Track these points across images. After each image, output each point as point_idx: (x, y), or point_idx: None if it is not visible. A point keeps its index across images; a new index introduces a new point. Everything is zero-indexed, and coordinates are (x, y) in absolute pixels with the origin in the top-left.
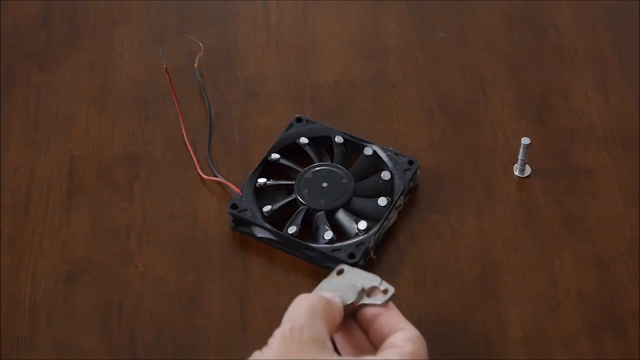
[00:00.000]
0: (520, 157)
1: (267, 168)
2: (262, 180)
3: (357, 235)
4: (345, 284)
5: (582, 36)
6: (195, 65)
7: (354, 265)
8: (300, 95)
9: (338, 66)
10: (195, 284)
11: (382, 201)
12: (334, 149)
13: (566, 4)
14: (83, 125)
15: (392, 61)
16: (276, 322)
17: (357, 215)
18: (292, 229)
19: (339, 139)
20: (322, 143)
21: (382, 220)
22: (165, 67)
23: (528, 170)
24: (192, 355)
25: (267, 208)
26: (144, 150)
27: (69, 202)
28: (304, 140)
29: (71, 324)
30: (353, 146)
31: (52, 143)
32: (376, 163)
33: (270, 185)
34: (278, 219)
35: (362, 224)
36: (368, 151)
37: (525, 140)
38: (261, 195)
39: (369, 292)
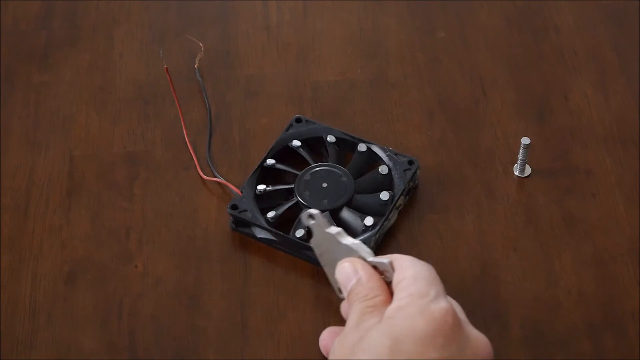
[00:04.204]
0: (520, 157)
1: (266, 171)
2: (261, 187)
3: (364, 231)
4: (350, 246)
5: (582, 36)
6: (195, 66)
7: None
8: (300, 95)
9: (338, 66)
10: (195, 284)
11: (384, 195)
12: (328, 148)
13: (566, 4)
14: (83, 125)
15: (392, 61)
16: (276, 322)
17: (361, 212)
18: (299, 233)
19: (330, 139)
20: (322, 143)
21: (382, 220)
22: (166, 68)
23: (528, 170)
24: (192, 355)
25: (271, 214)
26: (144, 150)
27: (69, 202)
28: (296, 143)
29: (71, 324)
30: (348, 145)
31: (52, 143)
32: (371, 159)
33: (270, 191)
34: (282, 223)
35: (369, 220)
36: (362, 147)
37: (525, 140)
38: (262, 197)
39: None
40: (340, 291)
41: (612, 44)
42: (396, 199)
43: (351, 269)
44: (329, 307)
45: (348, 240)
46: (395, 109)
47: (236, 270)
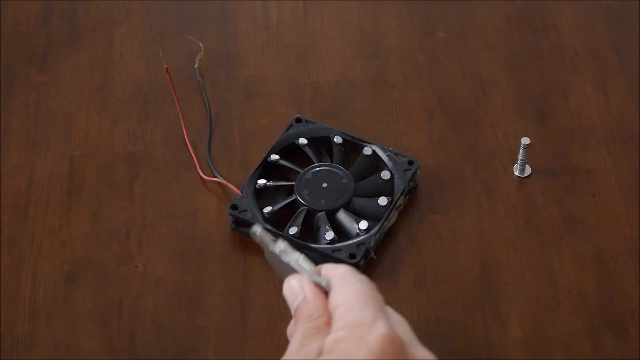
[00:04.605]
0: (520, 157)
1: (267, 169)
2: (262, 181)
3: (358, 235)
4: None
5: (582, 36)
6: (195, 66)
7: (354, 265)
8: (300, 95)
9: (338, 66)
10: (195, 284)
11: (383, 201)
12: (333, 149)
13: (566, 4)
14: (83, 125)
15: (392, 61)
16: (276, 322)
17: (358, 215)
18: (293, 230)
19: (337, 139)
20: (321, 143)
21: (382, 220)
22: (166, 68)
23: (528, 170)
24: (192, 355)
25: (267, 209)
26: (144, 150)
27: (69, 202)
28: (303, 140)
29: (71, 324)
30: (352, 146)
31: (52, 143)
32: (375, 163)
33: (270, 186)
34: (278, 220)
35: (363, 224)
36: (367, 151)
37: (525, 140)
38: (261, 196)
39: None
40: None
41: (612, 44)
42: (396, 199)
43: (298, 287)
44: None
45: (290, 257)
46: (395, 109)
47: (236, 270)
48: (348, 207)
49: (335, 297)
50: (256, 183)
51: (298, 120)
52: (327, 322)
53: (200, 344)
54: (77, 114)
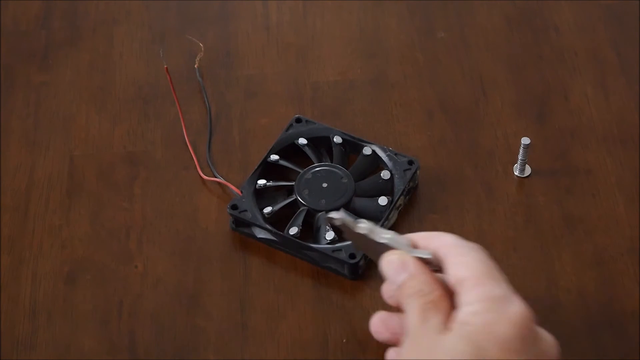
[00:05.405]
0: (520, 157)
1: (267, 169)
2: (262, 181)
3: None
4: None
5: (582, 36)
6: (195, 66)
7: (354, 265)
8: (300, 95)
9: (338, 66)
10: (195, 284)
11: (383, 200)
12: (333, 149)
13: (566, 4)
14: (83, 125)
15: (392, 61)
16: (276, 322)
17: (358, 215)
18: (293, 230)
19: (337, 139)
20: (321, 143)
21: (382, 220)
22: (166, 68)
23: (528, 170)
24: (192, 355)
25: (267, 209)
26: (144, 150)
27: (69, 202)
28: (302, 141)
29: (71, 324)
30: (352, 146)
31: (52, 143)
32: (375, 162)
33: (270, 186)
34: (278, 220)
35: None
36: (367, 151)
37: (525, 140)
38: (261, 196)
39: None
40: None
41: (612, 44)
42: (396, 199)
43: (399, 263)
44: (329, 307)
45: (382, 237)
46: (395, 109)
47: (236, 270)
48: (348, 207)
49: (457, 269)
50: (256, 183)
51: (298, 120)
52: (442, 296)
53: (200, 344)
54: (77, 114)
